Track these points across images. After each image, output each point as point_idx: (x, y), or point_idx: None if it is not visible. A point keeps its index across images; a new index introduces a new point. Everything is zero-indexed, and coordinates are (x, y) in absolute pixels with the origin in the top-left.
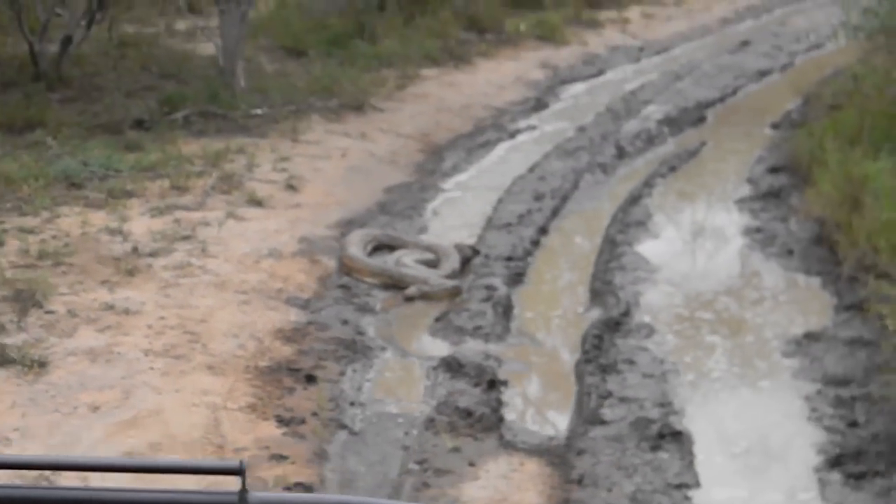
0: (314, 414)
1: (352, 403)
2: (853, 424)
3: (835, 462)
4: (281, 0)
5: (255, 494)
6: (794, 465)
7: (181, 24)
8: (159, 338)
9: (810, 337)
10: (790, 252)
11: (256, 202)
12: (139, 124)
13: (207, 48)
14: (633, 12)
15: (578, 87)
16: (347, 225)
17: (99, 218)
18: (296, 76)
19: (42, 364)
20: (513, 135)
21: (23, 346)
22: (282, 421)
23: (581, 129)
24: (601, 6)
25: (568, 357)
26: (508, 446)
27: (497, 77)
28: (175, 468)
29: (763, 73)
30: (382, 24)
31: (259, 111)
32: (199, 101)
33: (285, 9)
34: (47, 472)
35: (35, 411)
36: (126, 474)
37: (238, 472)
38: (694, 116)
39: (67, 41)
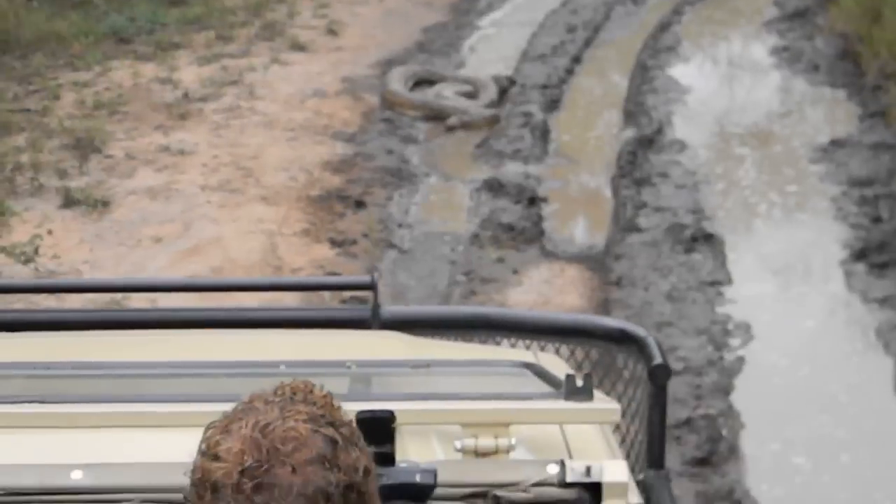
0: (365, 235)
1: (400, 225)
2: (877, 220)
3: (860, 255)
4: None
5: (387, 308)
6: (822, 260)
7: None
8: (214, 174)
9: (836, 143)
10: (816, 67)
11: (299, 47)
12: None
13: None
14: None
15: None
16: (387, 64)
17: (149, 69)
18: None
19: (105, 203)
20: None
21: (86, 187)
22: (335, 243)
23: None
24: None
25: (604, 174)
26: (550, 255)
27: None
28: (311, 286)
29: None
30: None
31: None
32: None
33: None
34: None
35: (102, 246)
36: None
37: (370, 286)
38: None
39: None
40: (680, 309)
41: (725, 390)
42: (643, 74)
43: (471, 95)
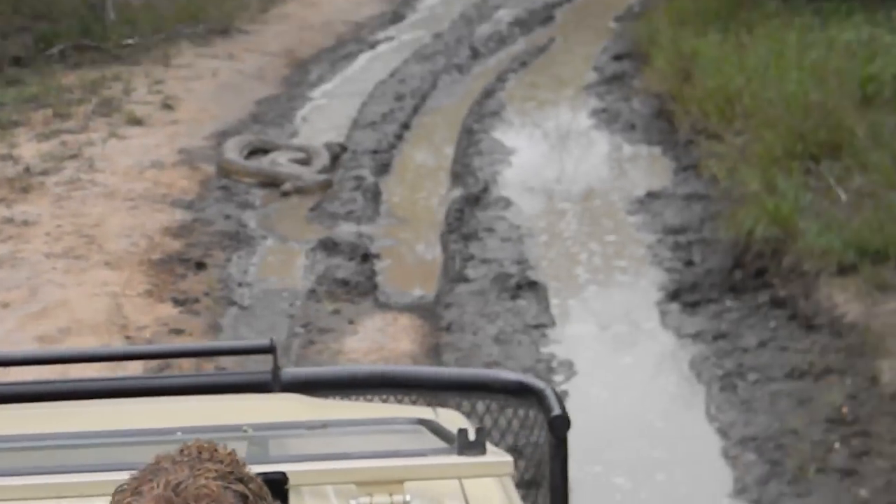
0: (206, 294)
1: (239, 284)
2: (689, 263)
3: (673, 295)
4: None
5: (287, 370)
6: (638, 300)
7: None
8: (58, 243)
9: (651, 195)
10: (633, 126)
11: (136, 121)
12: (17, 61)
13: None
14: None
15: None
16: (222, 135)
17: None
18: (162, 7)
19: None
20: (373, 45)
21: None
22: (177, 302)
23: (437, 36)
24: None
25: (433, 231)
26: (383, 306)
27: None
28: (210, 351)
29: None
30: None
31: (131, 41)
32: (73, 36)
33: None
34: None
35: None
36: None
37: (269, 350)
38: (543, 16)
39: None
40: (507, 350)
41: None
42: (469, 138)
43: (304, 162)
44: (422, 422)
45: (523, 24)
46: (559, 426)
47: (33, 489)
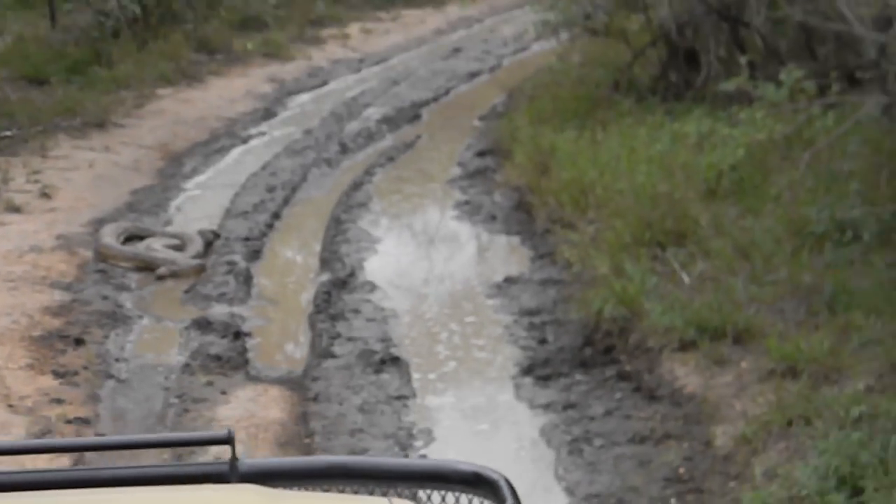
0: (85, 367)
1: (117, 359)
2: (543, 342)
3: (527, 370)
4: (19, 34)
5: (244, 461)
6: (495, 375)
7: None
8: None
9: (509, 280)
10: (494, 217)
11: (14, 209)
12: None
13: None
14: (353, 28)
15: (304, 97)
16: (99, 223)
17: None
18: (40, 101)
19: None
20: (245, 140)
21: None
22: (58, 374)
23: (307, 132)
24: (323, 25)
25: (302, 312)
26: (254, 379)
27: (228, 92)
28: (165, 442)
29: (473, 75)
30: (118, 50)
31: (8, 133)
32: None
33: (24, 42)
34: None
35: None
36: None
37: (227, 441)
38: (410, 115)
39: None
40: (370, 418)
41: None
42: (337, 227)
43: (178, 248)
44: None
45: (391, 122)
46: None
47: None
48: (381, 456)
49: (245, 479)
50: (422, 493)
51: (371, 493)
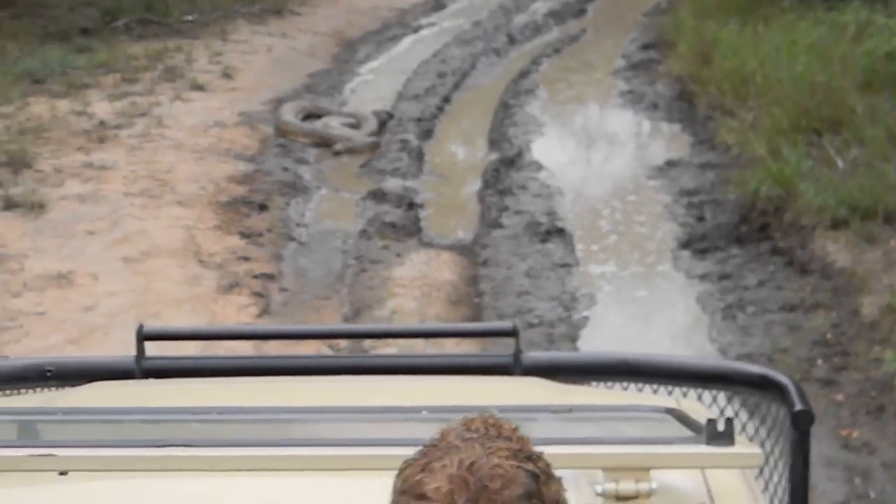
0: (269, 230)
1: (297, 224)
2: (701, 219)
3: (685, 244)
4: None
5: (528, 354)
6: (654, 248)
7: None
8: (134, 184)
9: (670, 164)
10: (656, 106)
11: (198, 87)
12: (84, 32)
13: None
14: None
15: None
16: (278, 102)
17: (64, 104)
18: None
19: (41, 206)
20: (416, 30)
21: (22, 194)
22: (243, 235)
23: (476, 23)
24: None
25: (471, 187)
26: (427, 245)
27: None
28: (451, 332)
29: None
30: None
31: (190, 17)
32: (137, 10)
33: None
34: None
35: (42, 238)
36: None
37: (512, 333)
38: (576, 9)
39: None
40: (536, 283)
41: (572, 338)
42: (505, 111)
43: (354, 126)
44: (668, 410)
45: (557, 16)
46: (802, 421)
47: (280, 461)
48: (667, 354)
49: (528, 371)
50: (707, 395)
51: (655, 392)
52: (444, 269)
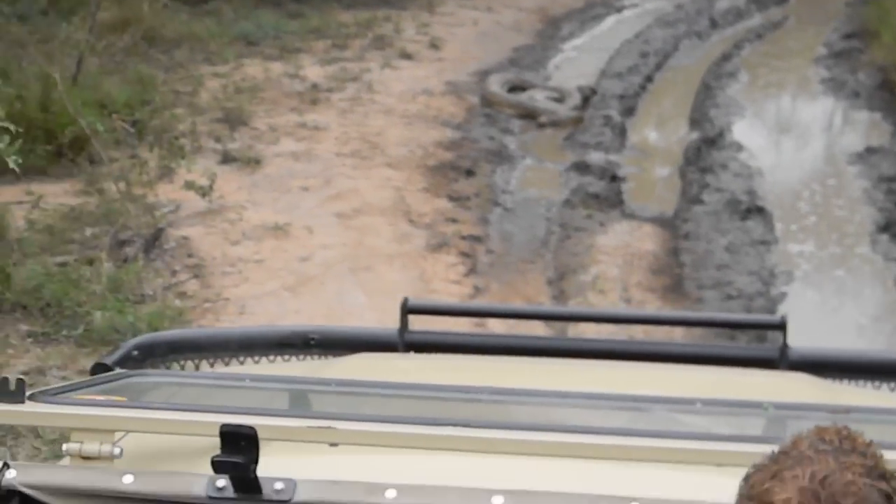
0: (475, 195)
1: (503, 191)
2: None
3: (884, 228)
4: None
5: (796, 349)
6: (852, 230)
7: None
8: (346, 145)
9: (870, 150)
10: (857, 94)
11: (406, 56)
12: None
13: None
14: None
15: None
16: (484, 74)
17: (277, 67)
18: None
19: (257, 161)
20: (619, 10)
21: (240, 149)
22: (451, 198)
23: (679, 6)
24: None
25: (672, 164)
26: (629, 216)
27: None
28: (719, 322)
29: None
30: None
31: None
32: None
33: None
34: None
35: (258, 191)
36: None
37: (780, 327)
38: None
39: None
40: (735, 258)
41: (771, 312)
42: (706, 92)
43: (558, 100)
44: None
45: (760, 2)
46: None
47: (555, 447)
48: None
49: (794, 366)
50: None
51: None
52: (645, 239)
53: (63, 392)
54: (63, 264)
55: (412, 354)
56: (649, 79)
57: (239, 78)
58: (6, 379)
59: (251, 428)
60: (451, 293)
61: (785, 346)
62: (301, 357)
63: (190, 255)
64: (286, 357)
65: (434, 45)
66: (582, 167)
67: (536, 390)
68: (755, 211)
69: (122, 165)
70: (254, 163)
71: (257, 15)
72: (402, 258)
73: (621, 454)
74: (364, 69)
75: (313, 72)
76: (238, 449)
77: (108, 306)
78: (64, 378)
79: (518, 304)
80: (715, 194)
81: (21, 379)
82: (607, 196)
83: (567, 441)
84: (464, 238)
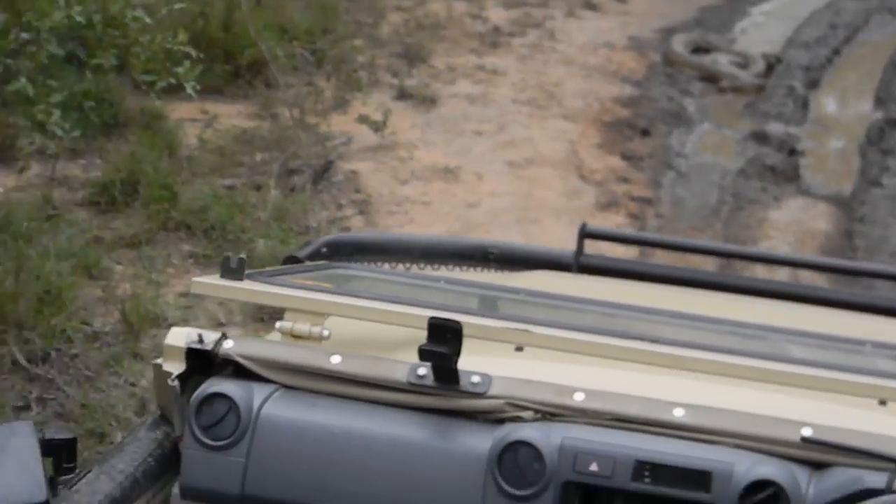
0: (650, 156)
1: (678, 154)
2: None
3: None
4: None
5: None
6: None
7: None
8: (522, 92)
9: None
10: None
11: (591, 6)
12: None
13: None
14: None
15: None
16: (667, 31)
17: (461, 6)
18: None
19: (432, 100)
20: None
21: (415, 86)
22: (625, 157)
23: None
24: None
25: (853, 142)
26: (804, 192)
27: None
28: (877, 273)
29: None
30: None
31: None
32: None
33: None
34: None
35: (431, 131)
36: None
37: None
38: None
39: None
40: None
41: None
42: (894, 72)
43: (741, 66)
44: None
45: None
46: None
47: (738, 369)
48: None
49: None
50: None
51: None
52: (819, 218)
53: (277, 275)
54: (231, 187)
55: (585, 276)
56: (837, 52)
57: (421, 14)
58: (228, 257)
59: (457, 322)
60: (616, 253)
61: None
62: (479, 269)
63: (357, 191)
64: (465, 268)
65: None
66: (760, 137)
67: (712, 317)
68: None
69: (298, 92)
70: (429, 101)
71: None
72: (570, 214)
73: (796, 381)
74: (548, 16)
75: (496, 14)
76: (444, 340)
77: (272, 234)
78: (221, 304)
79: (691, 239)
80: (895, 178)
81: (242, 258)
82: (784, 169)
83: (747, 365)
84: (634, 199)
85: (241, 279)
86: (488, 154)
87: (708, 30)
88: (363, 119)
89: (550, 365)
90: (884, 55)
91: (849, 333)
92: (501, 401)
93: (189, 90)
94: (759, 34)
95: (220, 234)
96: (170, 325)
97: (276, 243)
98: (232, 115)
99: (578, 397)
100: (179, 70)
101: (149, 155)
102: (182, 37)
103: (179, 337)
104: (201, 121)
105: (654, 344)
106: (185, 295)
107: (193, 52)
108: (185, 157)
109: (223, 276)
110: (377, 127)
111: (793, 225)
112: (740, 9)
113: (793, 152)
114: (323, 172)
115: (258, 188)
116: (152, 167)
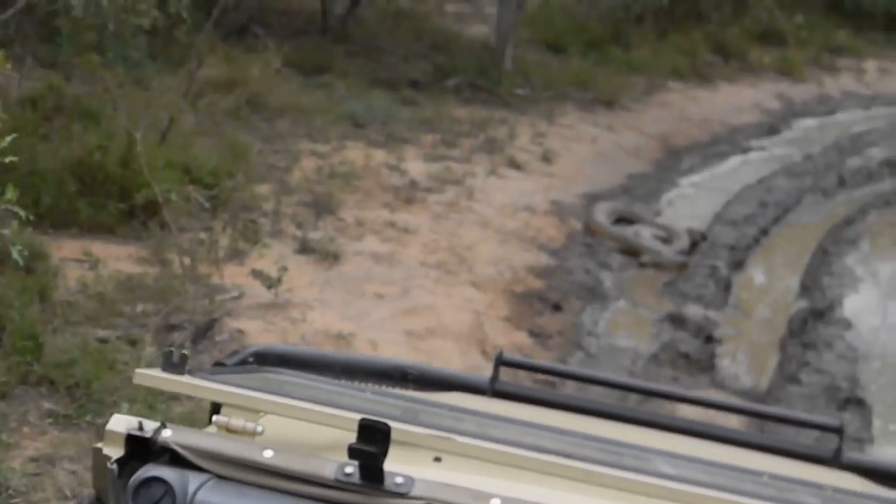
0: (559, 333)
1: (589, 333)
2: None
3: None
4: (545, 0)
5: (850, 454)
6: None
7: (450, 7)
8: (432, 254)
9: None
10: None
11: (515, 165)
12: (414, 84)
13: (475, 30)
14: (870, 64)
15: (809, 122)
16: (593, 198)
17: (379, 155)
18: (555, 69)
19: (335, 256)
20: (745, 151)
21: (319, 240)
22: (532, 333)
23: (808, 157)
24: (840, 53)
25: (775, 332)
26: (718, 385)
27: (735, 100)
28: (779, 417)
29: None
30: (637, 34)
31: (521, 91)
32: (469, 74)
33: (549, 9)
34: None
35: (330, 290)
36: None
37: (838, 430)
38: None
39: (355, 3)
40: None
41: None
42: (822, 257)
43: (665, 240)
44: None
45: (893, 166)
46: None
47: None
48: None
49: (847, 469)
50: None
51: None
52: (731, 416)
53: (215, 373)
54: (104, 340)
55: (497, 401)
56: (765, 231)
57: (337, 160)
58: (171, 351)
59: (386, 424)
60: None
61: (840, 449)
62: (397, 388)
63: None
64: (383, 387)
65: (546, 158)
66: (677, 320)
67: (624, 441)
68: (854, 402)
69: (193, 238)
70: (332, 257)
71: (370, 96)
72: None
73: (673, 496)
74: (468, 172)
75: (416, 166)
76: (373, 440)
77: (139, 398)
78: (73, 473)
79: (602, 372)
80: (814, 375)
81: (184, 353)
82: (699, 358)
83: (657, 484)
84: (536, 382)
85: (182, 373)
86: (387, 321)
87: (634, 198)
88: (257, 274)
89: (467, 476)
90: (813, 238)
91: (744, 465)
92: (423, 502)
93: (15, 255)
94: (687, 207)
95: (84, 392)
96: (10, 496)
97: (143, 408)
98: (121, 257)
99: (494, 503)
100: (5, 231)
101: (18, 299)
102: (11, 194)
103: (120, 424)
104: (87, 262)
105: (569, 459)
106: (35, 460)
107: (22, 214)
108: (61, 302)
109: (165, 369)
110: (271, 284)
111: (703, 419)
112: (669, 178)
113: (710, 339)
114: (206, 330)
115: (133, 343)
116: (19, 313)
